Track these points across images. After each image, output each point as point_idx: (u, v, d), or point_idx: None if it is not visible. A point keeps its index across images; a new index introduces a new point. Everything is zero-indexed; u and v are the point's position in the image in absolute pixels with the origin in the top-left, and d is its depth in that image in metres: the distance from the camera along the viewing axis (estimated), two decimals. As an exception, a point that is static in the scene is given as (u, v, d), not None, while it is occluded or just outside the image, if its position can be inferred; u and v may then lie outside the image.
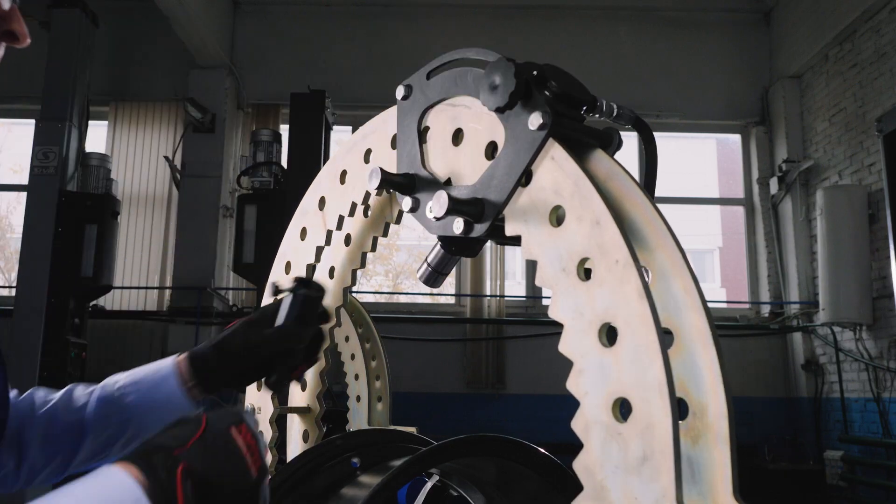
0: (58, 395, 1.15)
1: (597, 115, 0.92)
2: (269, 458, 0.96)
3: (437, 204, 0.90)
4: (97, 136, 8.18)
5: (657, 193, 0.95)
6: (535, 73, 0.86)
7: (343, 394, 2.97)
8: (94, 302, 7.25)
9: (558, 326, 0.80)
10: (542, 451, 1.06)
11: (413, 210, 1.00)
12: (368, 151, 1.18)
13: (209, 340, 1.14)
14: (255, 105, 8.37)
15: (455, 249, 1.02)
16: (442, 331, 7.88)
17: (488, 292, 7.97)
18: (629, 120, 0.95)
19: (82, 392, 1.15)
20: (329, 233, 1.27)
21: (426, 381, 7.54)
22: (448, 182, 0.98)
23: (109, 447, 1.12)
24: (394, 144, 1.10)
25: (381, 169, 0.99)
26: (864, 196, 6.87)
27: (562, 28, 8.46)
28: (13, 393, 1.12)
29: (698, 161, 10.56)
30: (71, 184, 6.65)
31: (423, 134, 1.03)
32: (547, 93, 0.85)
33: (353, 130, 8.45)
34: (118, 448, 1.12)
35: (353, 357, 2.86)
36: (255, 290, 7.16)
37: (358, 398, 2.85)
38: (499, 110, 0.88)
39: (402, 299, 8.77)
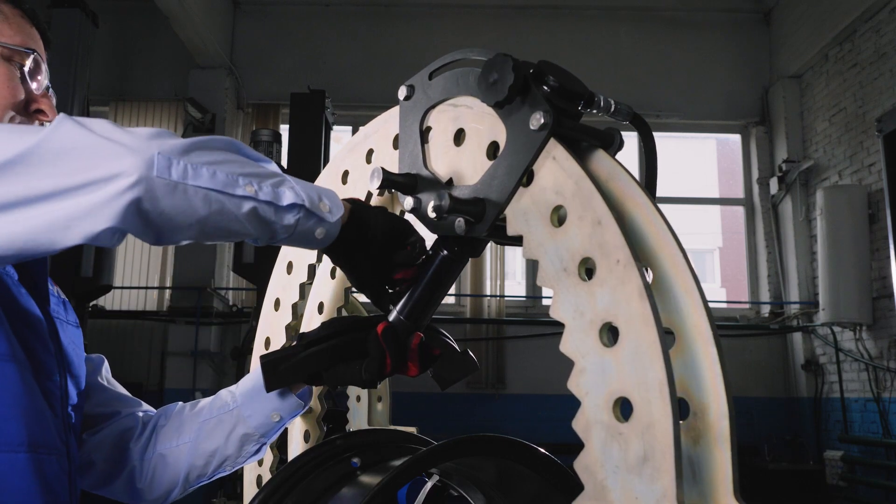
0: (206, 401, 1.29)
1: (594, 111, 0.92)
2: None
3: (438, 204, 0.90)
4: (97, 136, 8.17)
5: (657, 193, 0.95)
6: (531, 70, 0.86)
7: (343, 394, 2.97)
8: (94, 302, 7.25)
9: (558, 326, 0.80)
10: (543, 451, 1.06)
11: (415, 210, 1.01)
12: (370, 151, 1.18)
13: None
14: (255, 105, 8.37)
15: (458, 250, 1.02)
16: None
17: (488, 292, 7.97)
18: (626, 115, 0.95)
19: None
20: (330, 233, 1.27)
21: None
22: (450, 182, 0.98)
23: (213, 434, 1.23)
24: (395, 144, 1.10)
25: (383, 169, 0.99)
26: (864, 196, 6.88)
27: (562, 28, 8.46)
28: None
29: (698, 161, 10.55)
30: (71, 184, 6.64)
31: (424, 134, 1.04)
32: (545, 87, 0.85)
33: (354, 130, 8.45)
34: (225, 439, 1.24)
35: (353, 357, 2.85)
36: (255, 290, 7.16)
37: (358, 398, 2.84)
38: (498, 105, 0.87)
39: (402, 299, 8.77)
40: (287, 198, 0.88)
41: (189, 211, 0.81)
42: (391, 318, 1.06)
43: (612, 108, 0.93)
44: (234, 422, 1.21)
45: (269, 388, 1.03)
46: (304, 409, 1.21)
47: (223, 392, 1.26)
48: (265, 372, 1.02)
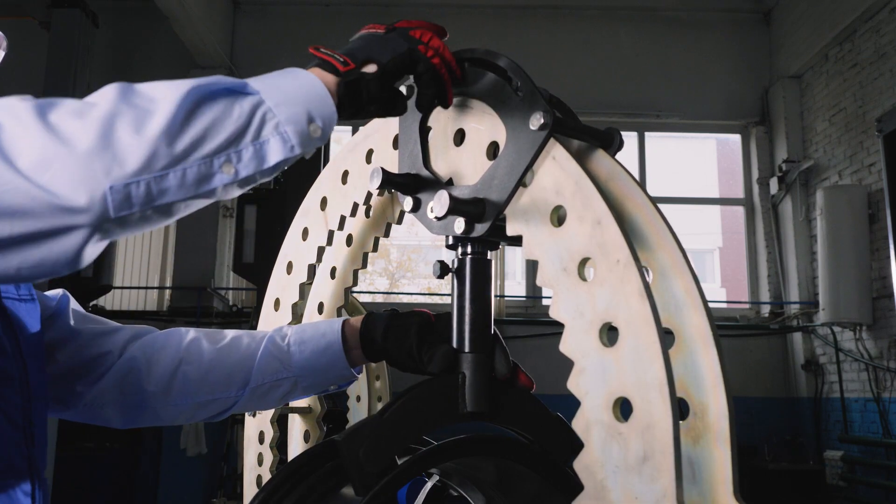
0: (228, 337, 1.16)
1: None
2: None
3: (438, 204, 0.90)
4: (97, 136, 8.18)
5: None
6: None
7: (343, 394, 2.97)
8: (94, 302, 7.26)
9: (559, 326, 0.80)
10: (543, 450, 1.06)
11: (415, 210, 1.01)
12: (370, 151, 1.18)
13: (391, 310, 1.16)
14: (255, 105, 8.37)
15: (480, 248, 1.00)
16: (442, 331, 7.85)
17: (488, 292, 7.96)
18: None
19: (248, 340, 1.16)
20: (331, 233, 1.27)
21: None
22: (450, 182, 0.98)
23: (266, 397, 1.14)
24: (395, 145, 1.10)
25: (383, 169, 0.99)
26: (864, 196, 6.87)
27: (562, 28, 8.45)
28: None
29: (698, 161, 10.56)
30: (71, 184, 6.64)
31: (424, 134, 1.04)
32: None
33: (354, 130, 8.45)
34: (275, 400, 1.15)
35: (353, 357, 2.85)
36: (255, 290, 7.16)
37: (358, 398, 2.84)
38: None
39: (403, 299, 8.77)
40: (274, 154, 0.79)
41: (164, 220, 0.76)
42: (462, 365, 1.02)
43: None
44: (287, 388, 1.14)
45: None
46: (356, 379, 1.18)
47: (273, 349, 1.14)
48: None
